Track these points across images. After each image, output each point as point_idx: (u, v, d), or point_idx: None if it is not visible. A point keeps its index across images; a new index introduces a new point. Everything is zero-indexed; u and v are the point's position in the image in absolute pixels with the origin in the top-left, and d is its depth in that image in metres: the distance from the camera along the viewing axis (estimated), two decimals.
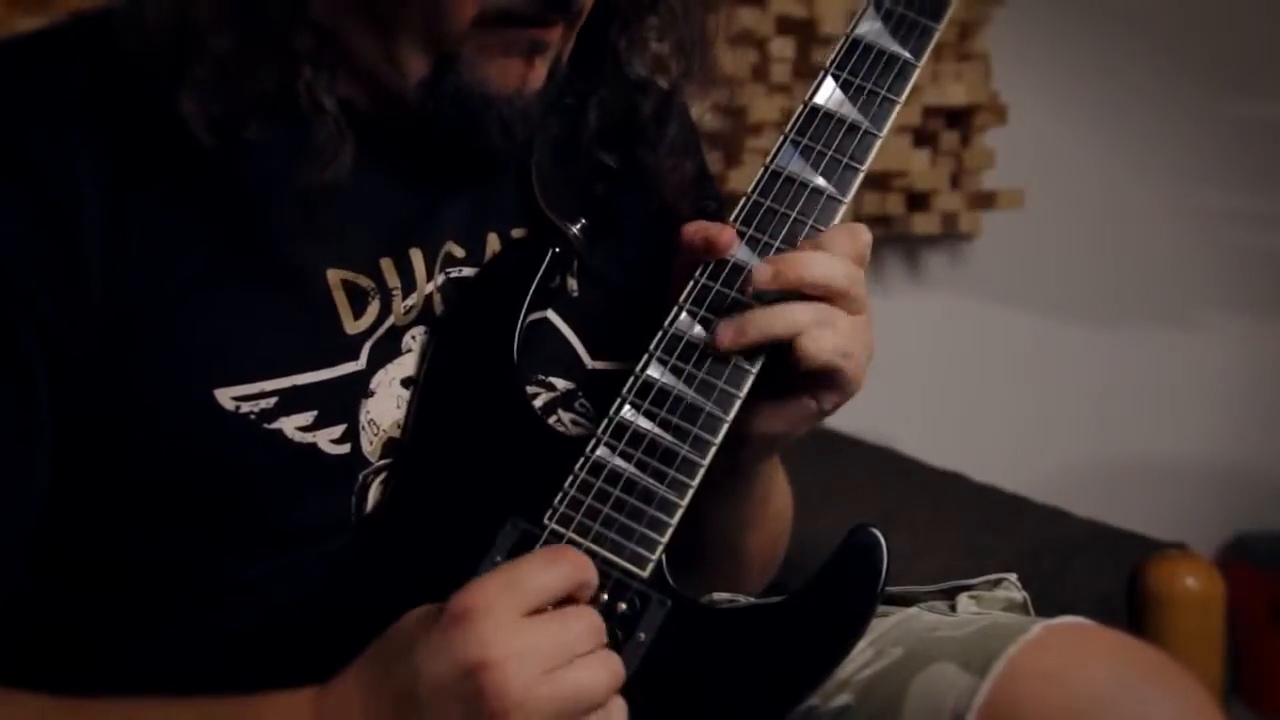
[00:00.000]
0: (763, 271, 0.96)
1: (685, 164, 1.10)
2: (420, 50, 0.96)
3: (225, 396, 0.94)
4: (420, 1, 0.94)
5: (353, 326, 0.98)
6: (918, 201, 2.27)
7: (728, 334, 0.96)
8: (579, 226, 1.04)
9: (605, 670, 0.86)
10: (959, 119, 2.26)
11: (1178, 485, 2.46)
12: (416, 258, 1.01)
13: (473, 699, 0.82)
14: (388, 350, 0.99)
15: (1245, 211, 2.49)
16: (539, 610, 0.85)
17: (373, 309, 0.99)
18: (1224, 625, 1.75)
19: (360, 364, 0.98)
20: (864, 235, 0.98)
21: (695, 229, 0.99)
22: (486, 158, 1.00)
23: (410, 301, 1.00)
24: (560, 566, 0.87)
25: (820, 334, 0.95)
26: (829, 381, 0.97)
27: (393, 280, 1.00)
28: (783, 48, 2.12)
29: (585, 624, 0.86)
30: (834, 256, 0.97)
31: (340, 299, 0.98)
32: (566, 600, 0.87)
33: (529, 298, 1.01)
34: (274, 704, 0.88)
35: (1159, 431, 2.47)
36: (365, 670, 0.87)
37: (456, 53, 0.95)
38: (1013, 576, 1.06)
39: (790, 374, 0.97)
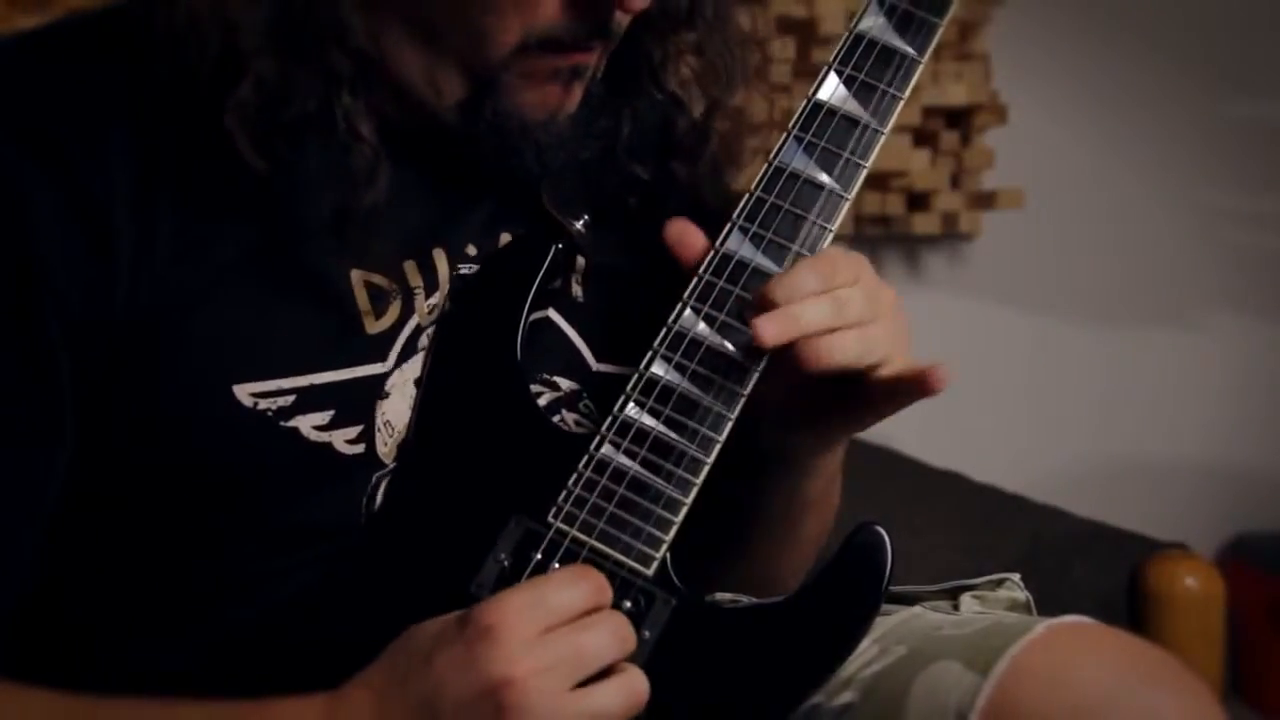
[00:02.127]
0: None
1: (723, 174, 1.10)
2: (460, 74, 0.96)
3: (244, 393, 0.93)
4: (463, 27, 0.93)
5: (373, 327, 0.98)
6: (918, 201, 2.27)
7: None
8: (581, 223, 1.04)
9: (624, 690, 0.86)
10: (959, 119, 2.26)
11: (1178, 485, 2.46)
12: (439, 258, 1.01)
13: (494, 716, 0.82)
14: (410, 351, 0.99)
15: (1245, 211, 2.49)
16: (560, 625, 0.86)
17: (394, 309, 0.98)
18: (1224, 625, 1.75)
19: (387, 364, 0.98)
20: (846, 260, 0.96)
21: (680, 229, 0.98)
22: (517, 177, 1.00)
23: (433, 300, 1.00)
24: (582, 585, 0.88)
25: (828, 340, 0.93)
26: (862, 382, 0.96)
27: (415, 280, 1.00)
28: (783, 48, 2.12)
29: (608, 633, 0.87)
30: (803, 269, 0.94)
31: (362, 299, 0.97)
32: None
33: (531, 295, 1.01)
34: (284, 709, 0.88)
35: (1159, 431, 2.47)
36: (381, 678, 0.86)
37: (496, 79, 0.95)
38: (1016, 576, 1.06)
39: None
